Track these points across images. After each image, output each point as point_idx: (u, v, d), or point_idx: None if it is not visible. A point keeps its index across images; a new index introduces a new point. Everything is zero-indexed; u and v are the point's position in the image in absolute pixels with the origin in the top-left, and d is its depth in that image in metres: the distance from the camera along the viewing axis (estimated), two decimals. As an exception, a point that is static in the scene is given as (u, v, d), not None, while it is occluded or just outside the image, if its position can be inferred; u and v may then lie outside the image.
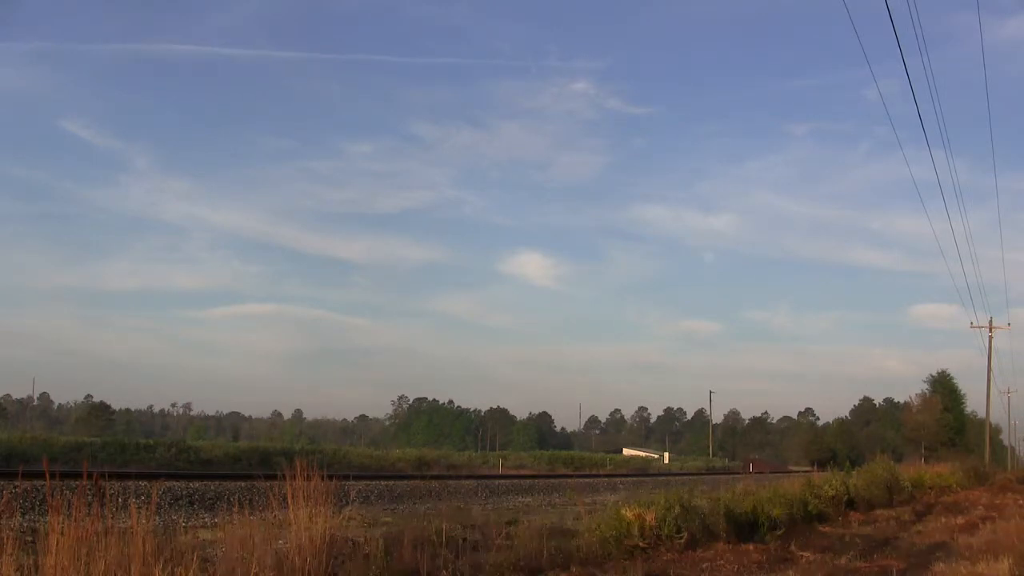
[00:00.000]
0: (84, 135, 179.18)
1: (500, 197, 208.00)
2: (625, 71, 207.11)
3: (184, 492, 16.84)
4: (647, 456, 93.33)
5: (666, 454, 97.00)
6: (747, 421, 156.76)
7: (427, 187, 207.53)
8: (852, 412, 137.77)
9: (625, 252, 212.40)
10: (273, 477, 11.19)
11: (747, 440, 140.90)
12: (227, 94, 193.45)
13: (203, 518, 14.30)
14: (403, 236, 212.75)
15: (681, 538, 11.60)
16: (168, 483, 17.48)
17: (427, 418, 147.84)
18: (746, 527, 13.65)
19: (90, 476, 6.72)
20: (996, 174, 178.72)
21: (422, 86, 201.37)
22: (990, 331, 58.78)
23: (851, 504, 20.06)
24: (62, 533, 5.96)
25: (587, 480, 34.34)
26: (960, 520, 18.52)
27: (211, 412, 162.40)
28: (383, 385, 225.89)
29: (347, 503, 9.92)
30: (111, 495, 7.02)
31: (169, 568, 6.14)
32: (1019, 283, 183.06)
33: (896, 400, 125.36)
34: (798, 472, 46.98)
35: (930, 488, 29.21)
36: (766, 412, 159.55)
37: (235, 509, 8.97)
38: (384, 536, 9.59)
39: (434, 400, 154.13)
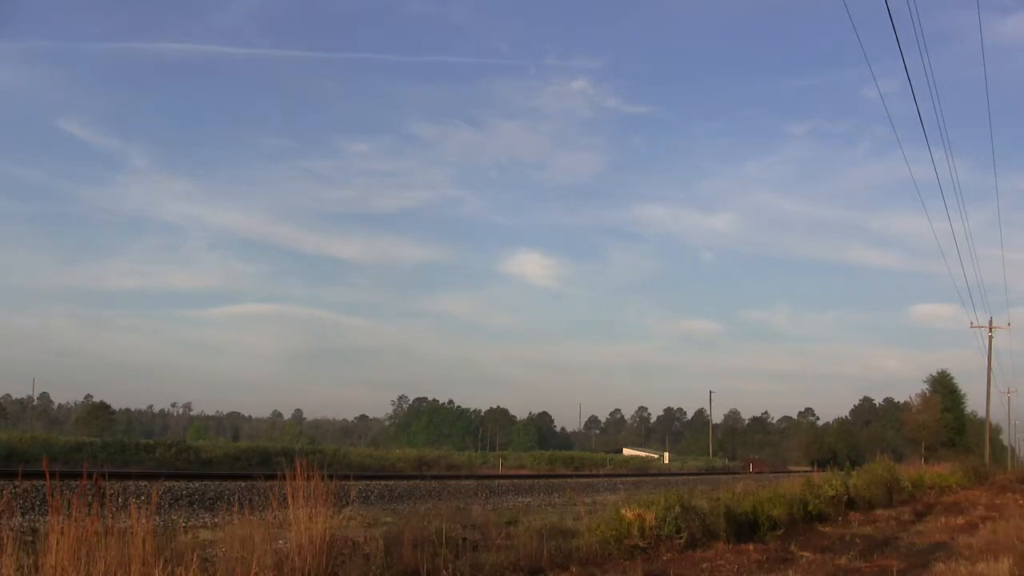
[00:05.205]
0: (82, 134, 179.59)
1: (499, 196, 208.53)
2: (624, 70, 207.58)
3: (184, 492, 16.84)
4: (647, 456, 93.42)
5: (666, 454, 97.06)
6: (747, 421, 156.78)
7: (426, 186, 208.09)
8: (852, 412, 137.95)
9: (624, 252, 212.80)
10: (273, 477, 11.20)
11: (747, 440, 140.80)
12: (225, 93, 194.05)
13: (203, 518, 14.29)
14: (402, 236, 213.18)
15: (681, 538, 11.61)
16: (168, 483, 17.51)
17: (427, 418, 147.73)
18: (746, 527, 13.66)
19: (90, 476, 6.72)
20: (996, 174, 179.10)
21: (420, 85, 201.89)
22: (990, 331, 58.80)
23: (851, 504, 20.05)
24: (62, 533, 5.95)
25: (587, 480, 34.35)
26: (960, 520, 18.51)
27: (211, 412, 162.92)
28: (383, 385, 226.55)
29: (347, 503, 9.90)
30: (111, 495, 7.02)
31: (169, 568, 6.14)
32: (1019, 283, 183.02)
33: (896, 400, 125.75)
34: (798, 472, 47.06)
35: (930, 488, 29.20)
36: (766, 412, 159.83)
37: (235, 509, 8.98)
38: (384, 536, 9.58)
39: (434, 400, 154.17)
